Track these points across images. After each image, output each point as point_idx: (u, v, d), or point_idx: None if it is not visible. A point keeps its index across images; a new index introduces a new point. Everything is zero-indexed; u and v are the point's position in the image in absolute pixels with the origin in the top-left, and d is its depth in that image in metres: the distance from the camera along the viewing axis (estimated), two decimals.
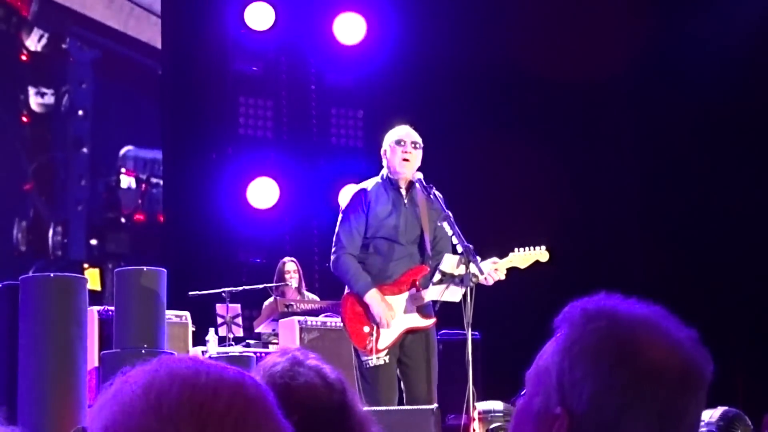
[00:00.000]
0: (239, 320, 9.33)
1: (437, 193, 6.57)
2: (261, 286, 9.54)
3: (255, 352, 8.52)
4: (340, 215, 6.72)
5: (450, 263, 6.36)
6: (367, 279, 6.49)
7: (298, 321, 8.56)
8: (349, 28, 12.44)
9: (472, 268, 6.22)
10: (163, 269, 6.94)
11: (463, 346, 6.31)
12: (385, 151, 6.64)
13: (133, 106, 12.30)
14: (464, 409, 6.31)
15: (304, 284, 9.84)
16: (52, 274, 6.78)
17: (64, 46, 11.98)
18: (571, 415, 1.46)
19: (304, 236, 12.13)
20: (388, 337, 6.44)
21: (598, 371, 1.45)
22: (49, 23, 11.88)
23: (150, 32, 12.26)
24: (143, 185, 12.27)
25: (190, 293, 9.16)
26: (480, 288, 6.31)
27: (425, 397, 6.40)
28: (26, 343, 6.40)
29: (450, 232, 6.36)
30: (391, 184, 6.62)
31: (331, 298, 8.85)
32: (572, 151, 11.95)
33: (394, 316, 6.45)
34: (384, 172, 6.66)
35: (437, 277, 6.43)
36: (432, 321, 6.54)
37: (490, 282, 6.38)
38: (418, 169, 6.58)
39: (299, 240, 12.04)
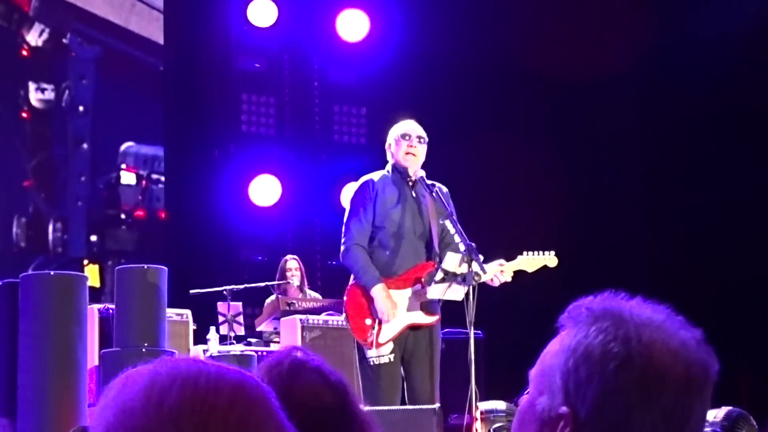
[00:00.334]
0: (240, 318, 9.32)
1: (442, 187, 6.56)
2: (263, 284, 9.52)
3: (256, 351, 8.51)
4: (348, 206, 6.70)
5: (452, 262, 6.35)
6: (376, 273, 6.47)
7: (300, 319, 8.55)
8: (352, 25, 12.43)
9: (475, 266, 6.21)
10: (164, 267, 6.93)
11: (465, 345, 6.30)
12: (390, 144, 6.63)
13: (134, 102, 12.27)
14: (466, 408, 6.29)
15: (306, 282, 9.82)
16: (52, 272, 6.78)
17: (65, 41, 11.96)
18: (576, 415, 1.45)
19: (306, 234, 12.11)
20: (389, 331, 6.42)
21: (603, 372, 1.44)
22: (50, 18, 11.86)
23: (152, 28, 12.24)
24: (144, 182, 12.24)
25: (191, 291, 9.15)
26: (482, 287, 6.31)
27: (427, 395, 6.39)
28: (26, 341, 6.39)
29: (452, 231, 6.35)
30: (399, 174, 6.60)
31: (334, 296, 8.84)
32: (575, 149, 11.94)
33: (397, 313, 6.44)
34: (390, 166, 6.65)
35: (440, 275, 6.42)
36: (436, 318, 6.52)
37: (496, 283, 6.40)
38: (421, 168, 6.57)
39: (301, 238, 12.02)
